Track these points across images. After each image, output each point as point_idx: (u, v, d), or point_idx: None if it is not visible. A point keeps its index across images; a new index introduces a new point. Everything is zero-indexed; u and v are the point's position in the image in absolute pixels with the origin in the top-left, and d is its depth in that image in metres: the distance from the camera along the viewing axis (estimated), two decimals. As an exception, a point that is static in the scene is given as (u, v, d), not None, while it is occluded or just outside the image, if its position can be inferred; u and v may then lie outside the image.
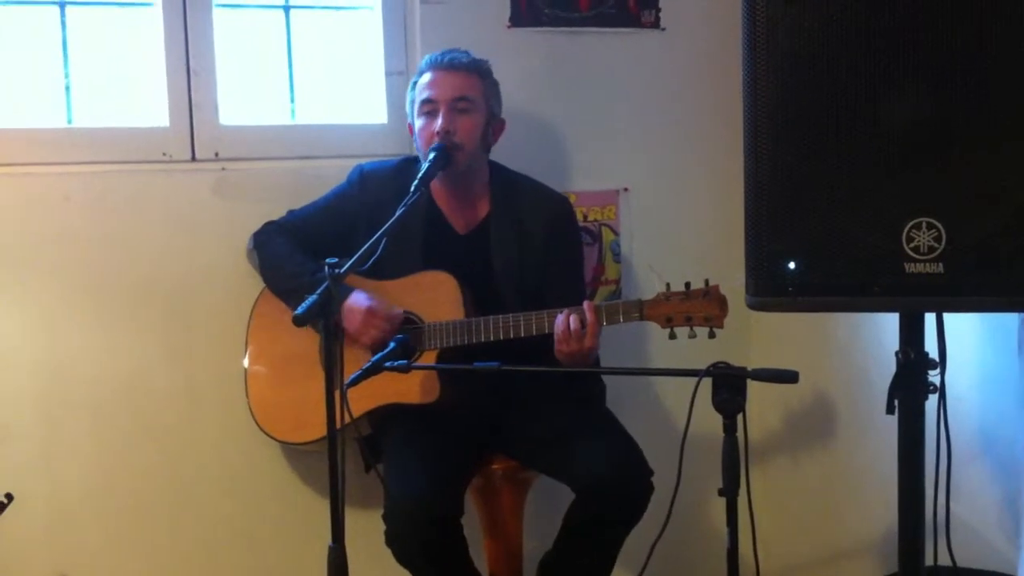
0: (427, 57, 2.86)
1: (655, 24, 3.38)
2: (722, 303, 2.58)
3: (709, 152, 3.43)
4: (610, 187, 3.39)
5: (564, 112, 3.32)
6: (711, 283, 2.60)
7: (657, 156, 3.43)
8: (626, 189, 3.40)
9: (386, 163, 2.97)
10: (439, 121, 2.75)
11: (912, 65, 1.90)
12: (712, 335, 2.60)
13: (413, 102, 2.84)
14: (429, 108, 2.79)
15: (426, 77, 2.81)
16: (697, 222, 3.47)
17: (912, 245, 1.94)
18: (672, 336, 2.62)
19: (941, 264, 1.93)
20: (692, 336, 2.60)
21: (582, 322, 2.61)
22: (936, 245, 1.93)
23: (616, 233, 3.40)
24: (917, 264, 1.94)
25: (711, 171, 3.43)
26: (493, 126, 2.88)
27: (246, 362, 2.94)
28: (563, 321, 2.62)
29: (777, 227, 2.00)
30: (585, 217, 3.32)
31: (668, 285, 2.62)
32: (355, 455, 2.77)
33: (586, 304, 2.63)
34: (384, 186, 2.87)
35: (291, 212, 2.97)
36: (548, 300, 2.73)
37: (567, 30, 3.29)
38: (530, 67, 3.26)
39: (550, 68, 3.29)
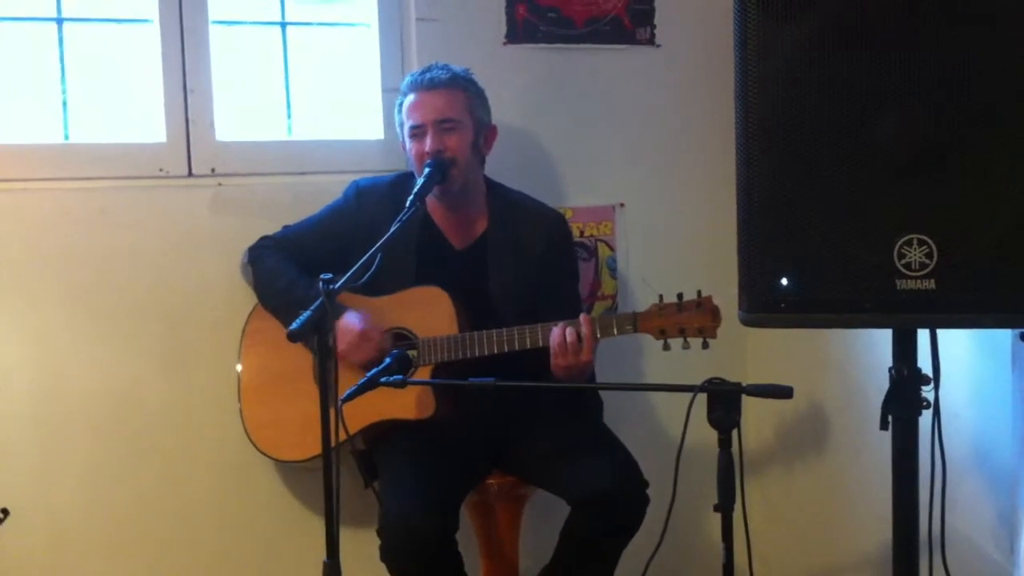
0: (408, 77, 2.86)
1: (650, 41, 3.39)
2: (714, 313, 2.59)
3: (704, 168, 3.43)
4: (606, 203, 3.40)
5: (560, 128, 3.33)
6: (703, 294, 2.61)
7: (653, 172, 3.44)
8: (622, 205, 3.41)
9: (382, 179, 2.97)
10: (428, 142, 2.76)
11: (904, 82, 1.91)
12: (706, 345, 2.61)
13: (402, 125, 2.85)
14: (417, 132, 2.79)
15: (410, 99, 2.81)
16: (693, 237, 3.47)
17: (904, 262, 1.94)
18: (666, 348, 2.63)
19: (933, 281, 1.93)
20: (686, 347, 2.61)
21: (579, 335, 2.61)
22: (928, 262, 1.93)
23: (612, 249, 3.41)
24: (909, 281, 1.94)
25: (706, 187, 3.43)
26: (484, 135, 2.88)
27: (239, 381, 2.94)
28: (559, 334, 2.62)
29: (769, 244, 2.00)
30: (581, 233, 3.32)
31: (661, 297, 2.63)
32: (351, 471, 2.77)
33: (583, 317, 2.63)
34: (380, 202, 2.87)
35: (287, 227, 2.98)
36: (544, 316, 2.72)
37: (563, 47, 3.30)
38: (526, 83, 3.28)
39: (546, 85, 3.30)
